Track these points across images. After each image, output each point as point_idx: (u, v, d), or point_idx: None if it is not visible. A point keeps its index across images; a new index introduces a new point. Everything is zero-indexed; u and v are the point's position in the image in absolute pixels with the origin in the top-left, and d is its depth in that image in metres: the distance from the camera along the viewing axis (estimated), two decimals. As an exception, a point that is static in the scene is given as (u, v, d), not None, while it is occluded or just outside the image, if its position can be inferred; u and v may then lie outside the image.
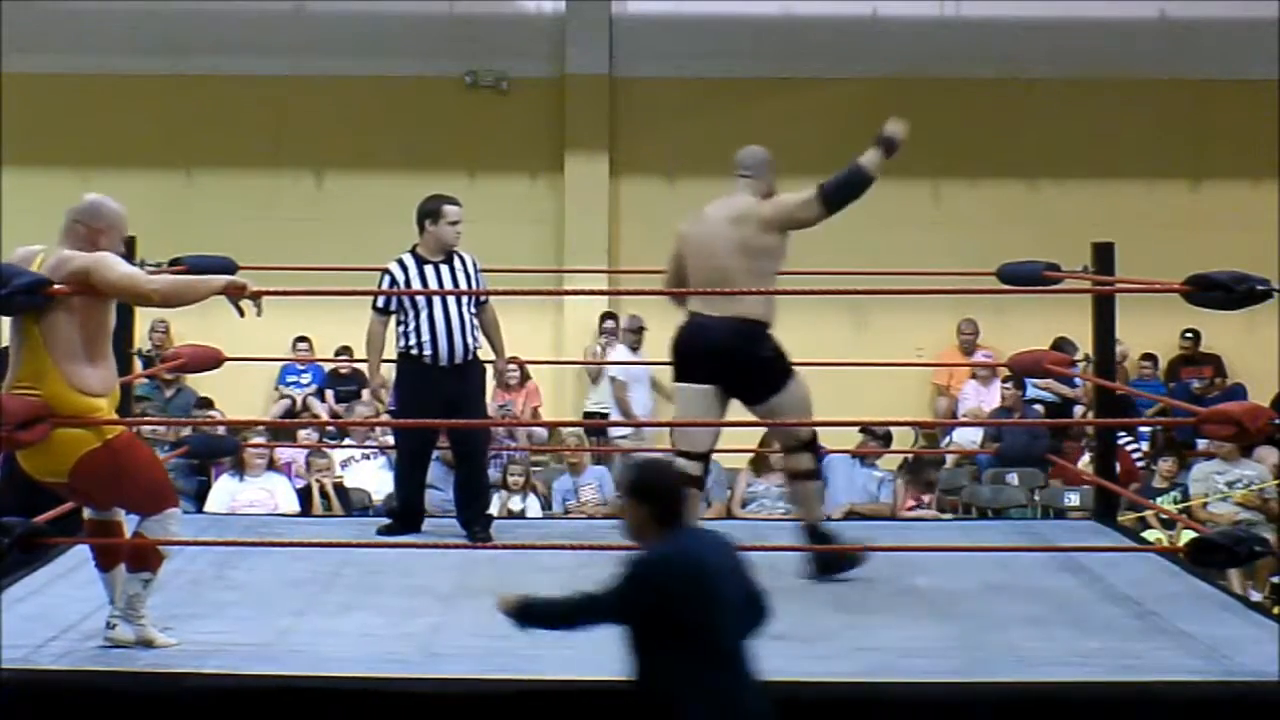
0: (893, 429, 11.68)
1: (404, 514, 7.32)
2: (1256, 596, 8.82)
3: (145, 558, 5.11)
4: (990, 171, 13.15)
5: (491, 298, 7.36)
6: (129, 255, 7.32)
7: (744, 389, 6.30)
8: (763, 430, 10.59)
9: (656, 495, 4.10)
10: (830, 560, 6.25)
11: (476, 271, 7.26)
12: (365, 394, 11.65)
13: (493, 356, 7.52)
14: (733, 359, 6.21)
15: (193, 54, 13.04)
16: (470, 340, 7.17)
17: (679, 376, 6.40)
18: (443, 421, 7.07)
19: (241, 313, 5.12)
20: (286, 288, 5.70)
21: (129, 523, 5.28)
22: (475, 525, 7.17)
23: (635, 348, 12.09)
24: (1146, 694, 4.78)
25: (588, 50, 13.14)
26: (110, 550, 5.22)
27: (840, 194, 6.31)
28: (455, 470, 7.52)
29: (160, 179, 13.05)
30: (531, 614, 4.19)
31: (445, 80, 13.20)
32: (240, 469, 9.91)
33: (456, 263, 7.21)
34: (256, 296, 5.09)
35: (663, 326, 12.83)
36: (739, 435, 10.51)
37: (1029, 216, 12.66)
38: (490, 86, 13.26)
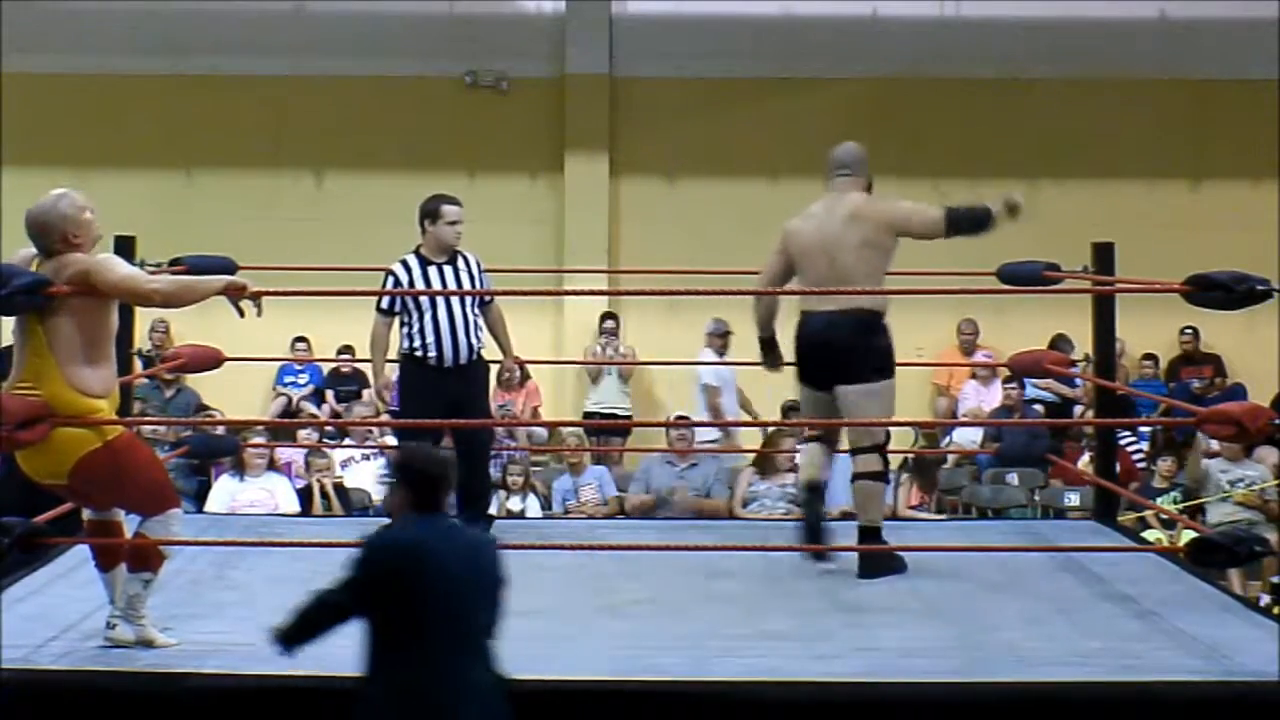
0: (893, 429, 11.71)
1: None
2: (1265, 600, 8.80)
3: (146, 558, 5.12)
4: (990, 171, 13.11)
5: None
6: (129, 255, 7.35)
7: (836, 371, 6.37)
8: (765, 430, 10.67)
9: (416, 480, 4.08)
10: (878, 561, 6.26)
11: (480, 271, 7.25)
12: (366, 394, 11.65)
13: (499, 356, 7.51)
14: (845, 350, 6.34)
15: (193, 54, 13.04)
16: (474, 340, 7.17)
17: (802, 378, 6.56)
18: (442, 422, 7.06)
19: (241, 313, 5.13)
20: (286, 288, 5.70)
21: (129, 523, 5.28)
22: (476, 526, 7.15)
23: (722, 351, 11.87)
24: (1146, 694, 4.78)
25: (588, 50, 13.14)
26: (110, 550, 5.23)
27: (963, 225, 6.48)
28: (458, 468, 7.47)
29: (160, 179, 13.05)
30: (286, 637, 4.13)
31: (445, 80, 13.20)
32: (240, 469, 9.91)
33: (460, 263, 7.20)
34: (256, 297, 5.09)
35: (646, 325, 12.94)
36: (738, 436, 10.58)
37: (1029, 216, 12.60)
38: (490, 86, 13.26)
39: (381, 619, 3.99)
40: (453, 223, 7.19)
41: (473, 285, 7.17)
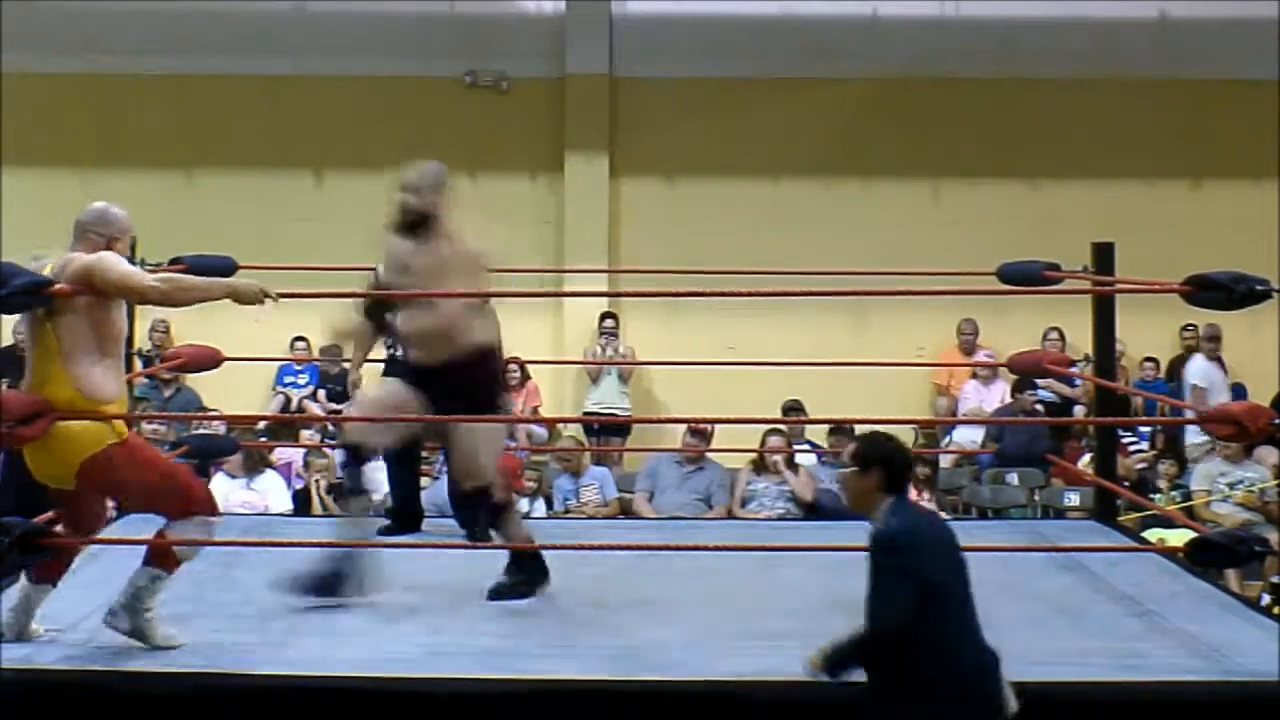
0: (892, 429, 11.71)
1: (400, 515, 7.27)
2: (1265, 599, 8.79)
3: (163, 556, 5.11)
4: (990, 171, 13.15)
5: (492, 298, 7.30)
6: (130, 255, 7.34)
7: None
8: (763, 429, 10.66)
9: (888, 463, 4.29)
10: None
11: None
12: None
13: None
14: None
15: (193, 54, 13.04)
16: None
17: None
18: (446, 418, 7.02)
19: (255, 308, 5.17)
20: (287, 287, 5.69)
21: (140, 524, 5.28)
22: (474, 524, 7.13)
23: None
24: (1146, 694, 4.78)
25: (588, 50, 13.14)
26: (58, 562, 5.21)
27: None
28: (448, 470, 7.43)
29: (160, 179, 13.05)
30: (838, 662, 4.28)
31: (445, 80, 13.20)
32: (253, 468, 9.90)
33: None
34: (261, 300, 5.11)
35: (646, 325, 12.93)
36: (741, 435, 10.57)
37: (1029, 216, 12.66)
38: (490, 86, 13.26)
39: (933, 604, 4.13)
40: None
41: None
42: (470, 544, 6.97)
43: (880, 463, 4.31)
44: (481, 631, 5.32)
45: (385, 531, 7.17)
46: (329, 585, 5.70)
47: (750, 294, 6.24)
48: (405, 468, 7.28)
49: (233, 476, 9.92)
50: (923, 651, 4.14)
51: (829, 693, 4.82)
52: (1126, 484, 10.15)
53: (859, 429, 6.59)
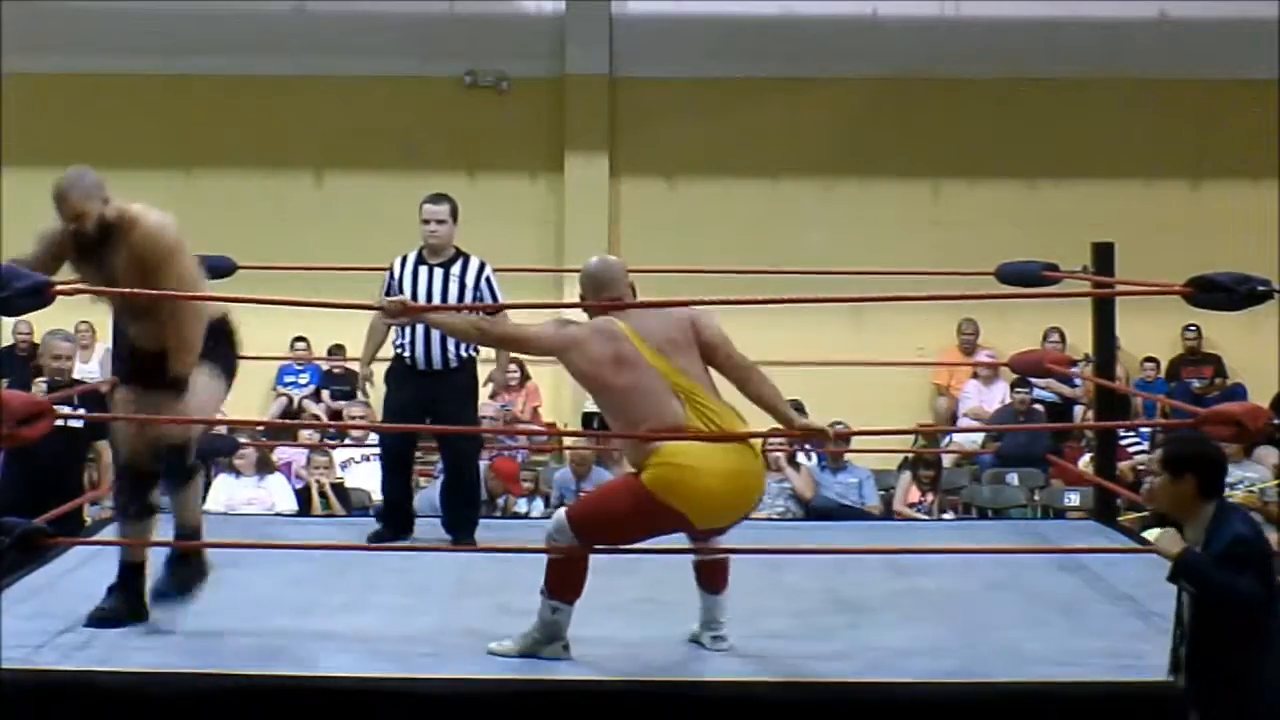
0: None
1: (391, 518, 7.17)
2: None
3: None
4: (990, 171, 13.14)
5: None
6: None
7: None
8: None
9: (1206, 467, 4.11)
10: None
11: (482, 277, 7.06)
12: (360, 395, 11.64)
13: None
14: None
15: (193, 54, 13.03)
16: (455, 346, 6.97)
17: None
18: (448, 429, 7.01)
19: None
20: (289, 289, 5.70)
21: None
22: (460, 531, 7.09)
23: None
24: (1146, 694, 4.78)
25: (588, 50, 13.14)
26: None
27: None
28: (444, 474, 7.43)
29: (160, 179, 13.01)
30: (1194, 571, 4.02)
31: (445, 80, 13.20)
32: (264, 466, 9.90)
33: (456, 267, 7.04)
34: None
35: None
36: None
37: (1029, 216, 12.66)
38: (490, 86, 13.26)
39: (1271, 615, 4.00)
40: (425, 221, 7.02)
41: (461, 290, 6.98)
42: (470, 545, 6.96)
43: (1194, 467, 4.09)
44: (481, 632, 5.32)
45: (375, 537, 7.06)
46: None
47: (748, 302, 6.21)
48: (397, 471, 7.23)
49: (237, 476, 9.91)
50: (1257, 667, 3.98)
51: (829, 693, 4.83)
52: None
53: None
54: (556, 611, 5.04)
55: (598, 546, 5.05)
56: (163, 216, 5.28)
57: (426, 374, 7.00)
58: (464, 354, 7.07)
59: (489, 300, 7.05)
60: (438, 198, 7.12)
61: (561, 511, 5.16)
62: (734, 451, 5.07)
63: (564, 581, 5.03)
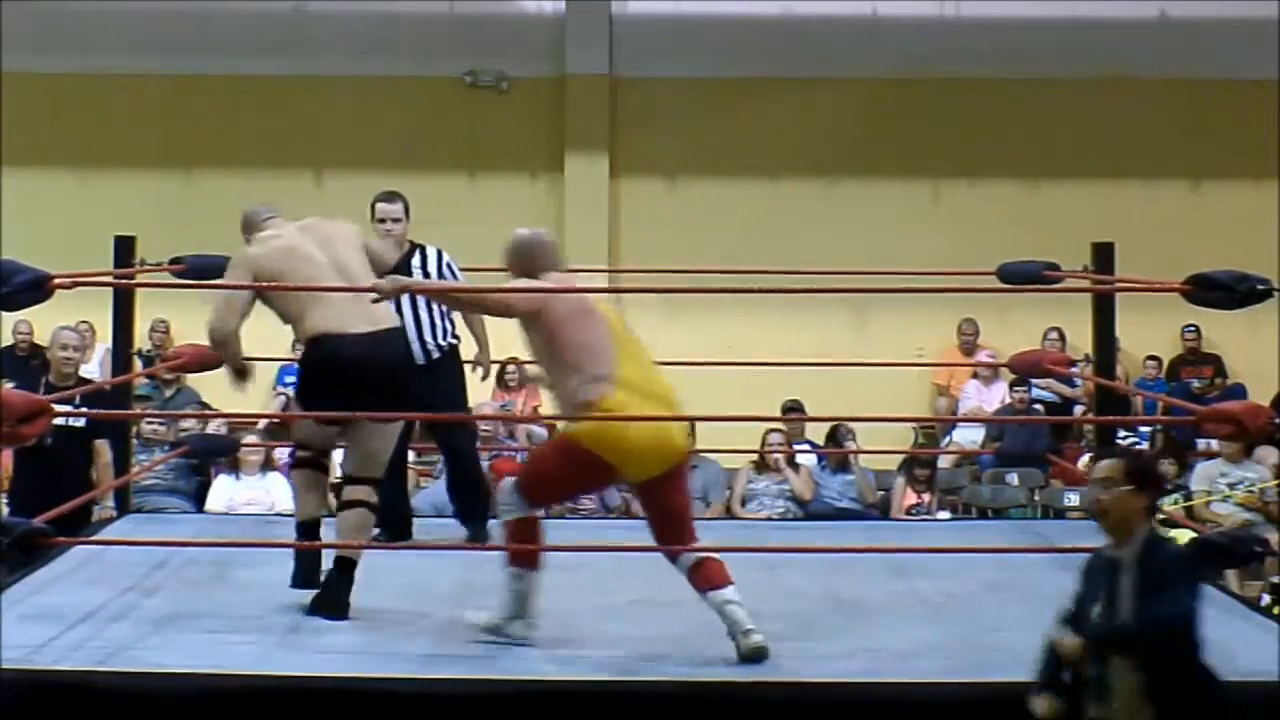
0: (893, 428, 11.74)
1: (386, 520, 6.96)
2: (1265, 600, 8.79)
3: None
4: (990, 171, 13.15)
5: None
6: (129, 255, 7.35)
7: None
8: (763, 429, 10.66)
9: (1156, 486, 4.10)
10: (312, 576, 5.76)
11: (443, 263, 7.06)
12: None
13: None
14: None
15: (193, 54, 13.03)
16: (434, 338, 6.96)
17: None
18: (449, 416, 6.98)
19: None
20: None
21: None
22: (473, 519, 7.10)
23: None
24: (1146, 694, 4.78)
25: (588, 50, 13.14)
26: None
27: None
28: (446, 469, 7.43)
29: (160, 179, 13.05)
30: (1106, 644, 4.02)
31: (445, 80, 13.20)
32: (236, 468, 9.89)
33: (416, 259, 7.02)
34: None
35: (645, 326, 12.91)
36: (741, 434, 10.59)
37: (1029, 216, 12.66)
38: (490, 86, 13.26)
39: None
40: (381, 220, 7.01)
41: (430, 280, 6.94)
42: (470, 545, 6.96)
43: (1152, 484, 4.09)
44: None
45: (374, 540, 7.01)
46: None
47: (751, 291, 6.23)
48: (387, 475, 7.15)
49: (238, 477, 9.91)
50: (1201, 677, 4.01)
51: (829, 693, 4.83)
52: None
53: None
54: (520, 580, 5.22)
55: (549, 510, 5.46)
56: None
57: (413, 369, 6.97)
58: (444, 343, 7.05)
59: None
60: (390, 195, 7.13)
61: (510, 479, 5.35)
62: (662, 405, 5.27)
63: (518, 551, 5.23)
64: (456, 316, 7.08)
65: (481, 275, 7.10)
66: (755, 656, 5.03)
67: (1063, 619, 4.21)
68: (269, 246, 5.82)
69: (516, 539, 5.24)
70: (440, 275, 7.07)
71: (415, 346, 6.92)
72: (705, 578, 5.14)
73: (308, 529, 5.87)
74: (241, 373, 6.07)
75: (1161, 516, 4.16)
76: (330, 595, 5.58)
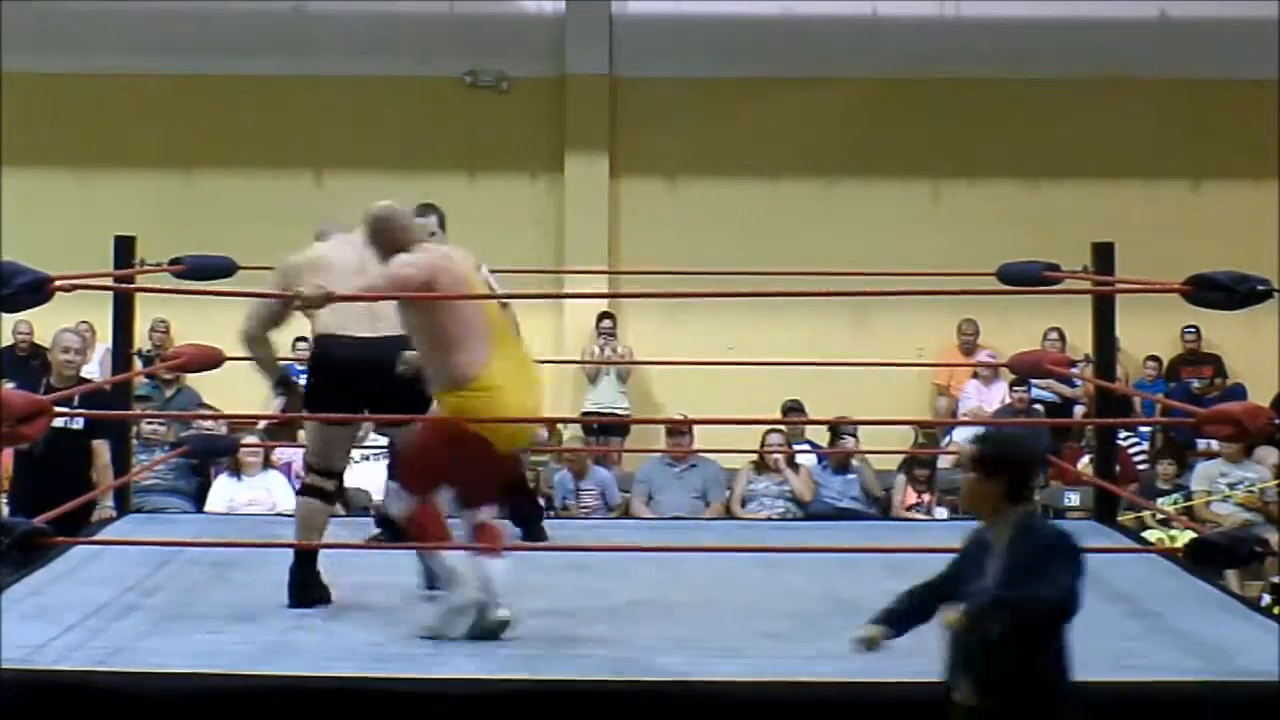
0: (893, 428, 11.73)
1: (389, 520, 7.05)
2: (1265, 600, 8.79)
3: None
4: (990, 171, 13.15)
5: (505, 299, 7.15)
6: (129, 255, 7.34)
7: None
8: (762, 430, 10.67)
9: (1013, 470, 4.02)
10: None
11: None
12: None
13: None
14: None
15: (193, 54, 13.04)
16: None
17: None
18: (460, 418, 6.94)
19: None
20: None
21: None
22: (525, 520, 7.09)
23: None
24: (1146, 694, 4.78)
25: (588, 50, 13.14)
26: None
27: None
28: None
29: (160, 179, 13.05)
30: (988, 617, 3.94)
31: (445, 80, 13.20)
32: (237, 469, 9.88)
33: None
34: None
35: (645, 326, 12.95)
36: (741, 434, 10.59)
37: (1029, 216, 12.66)
38: (490, 86, 13.26)
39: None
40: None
41: None
42: (469, 545, 6.93)
43: (1005, 468, 4.01)
44: (481, 631, 5.32)
45: (376, 540, 7.00)
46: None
47: (750, 294, 6.22)
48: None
49: (239, 478, 9.90)
50: (1055, 665, 3.96)
51: (829, 693, 4.83)
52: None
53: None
54: (442, 558, 5.36)
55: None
56: None
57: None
58: None
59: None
60: (425, 209, 7.01)
61: (392, 480, 5.53)
62: (533, 383, 5.45)
63: (423, 531, 5.37)
64: None
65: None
66: (496, 631, 5.21)
67: (923, 587, 4.18)
68: (302, 255, 5.94)
69: (420, 524, 5.34)
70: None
71: None
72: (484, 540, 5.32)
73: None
74: (283, 384, 6.25)
75: (1035, 503, 4.08)
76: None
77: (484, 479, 5.41)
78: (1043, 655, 3.94)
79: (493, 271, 7.29)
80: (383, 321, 5.71)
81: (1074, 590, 3.88)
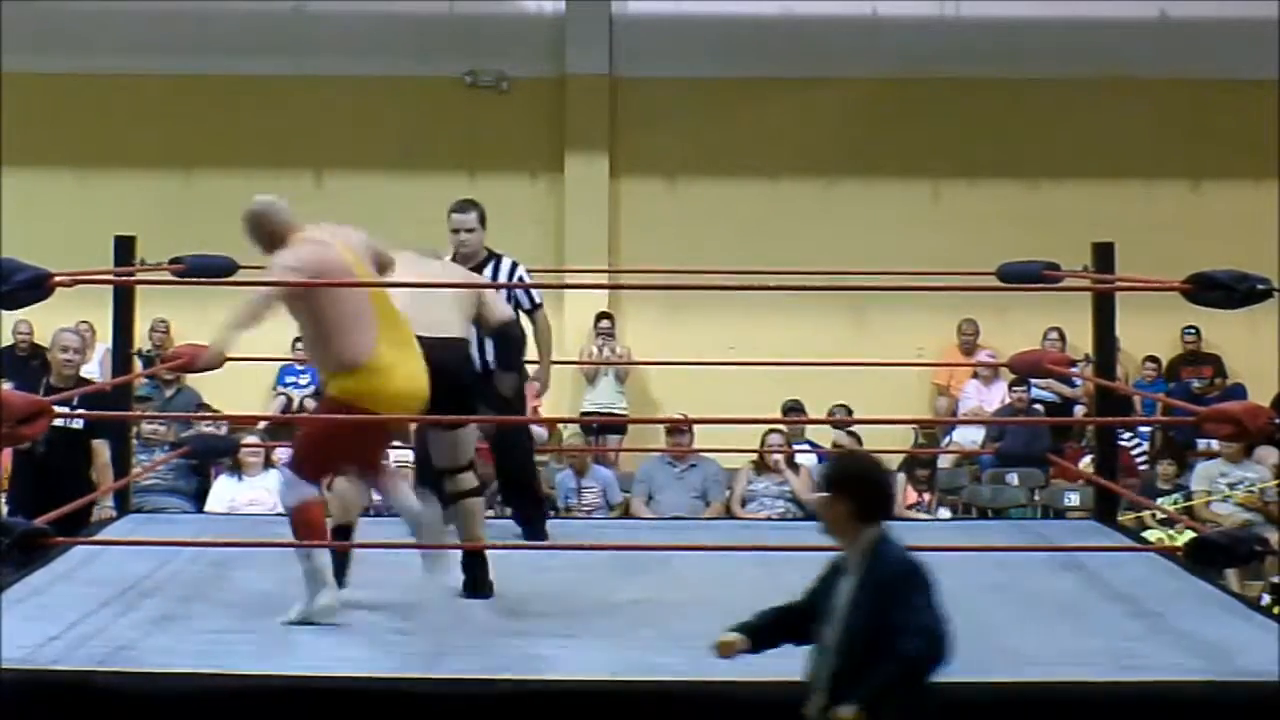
0: (893, 428, 11.73)
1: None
2: (1265, 599, 8.79)
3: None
4: (990, 171, 13.15)
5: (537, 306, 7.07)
6: (129, 255, 7.34)
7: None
8: (762, 429, 10.67)
9: (861, 490, 3.99)
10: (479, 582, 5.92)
11: (514, 277, 6.96)
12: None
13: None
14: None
15: (193, 54, 13.04)
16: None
17: None
18: (465, 418, 6.94)
19: None
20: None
21: None
22: (529, 521, 7.09)
23: None
24: (1146, 694, 4.78)
25: (588, 50, 13.14)
26: None
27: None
28: (497, 473, 7.45)
29: (160, 179, 13.05)
30: (881, 700, 3.93)
31: (445, 80, 13.20)
32: (238, 469, 9.89)
33: (488, 271, 6.91)
34: None
35: (644, 325, 12.95)
36: (741, 434, 10.59)
37: (1029, 216, 12.66)
38: (490, 86, 13.26)
39: None
40: (455, 230, 6.92)
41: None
42: (469, 545, 6.94)
43: (852, 488, 3.98)
44: (482, 631, 5.31)
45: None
46: None
47: (750, 288, 6.22)
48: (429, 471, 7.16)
49: (239, 478, 9.90)
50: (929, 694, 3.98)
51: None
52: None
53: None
54: (309, 558, 5.38)
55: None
56: None
57: None
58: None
59: (524, 297, 7.01)
60: (465, 205, 6.99)
61: (284, 467, 5.56)
62: (415, 358, 5.48)
63: (307, 527, 5.41)
64: (527, 325, 6.89)
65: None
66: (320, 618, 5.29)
67: (784, 608, 4.18)
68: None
69: (302, 520, 5.39)
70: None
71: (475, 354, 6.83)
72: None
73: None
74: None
75: (885, 526, 4.04)
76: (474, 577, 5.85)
77: (375, 456, 5.61)
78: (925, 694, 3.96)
79: (529, 271, 7.28)
80: (440, 323, 5.77)
81: (938, 630, 3.93)
